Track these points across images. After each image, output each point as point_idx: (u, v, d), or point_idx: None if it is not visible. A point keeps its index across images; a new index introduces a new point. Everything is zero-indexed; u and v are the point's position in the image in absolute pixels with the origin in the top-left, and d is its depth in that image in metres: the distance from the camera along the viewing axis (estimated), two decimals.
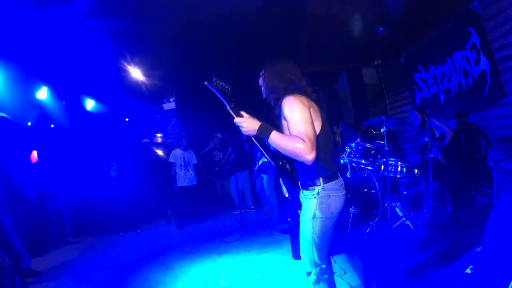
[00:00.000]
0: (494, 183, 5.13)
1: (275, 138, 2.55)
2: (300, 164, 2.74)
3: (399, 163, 5.67)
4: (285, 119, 2.64)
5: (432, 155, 5.36)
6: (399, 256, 4.54)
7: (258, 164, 7.69)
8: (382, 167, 5.83)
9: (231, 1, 5.88)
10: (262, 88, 3.07)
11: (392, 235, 5.24)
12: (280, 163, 2.83)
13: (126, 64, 8.62)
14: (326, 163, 2.74)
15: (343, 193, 2.86)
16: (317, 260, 2.77)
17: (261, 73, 3.04)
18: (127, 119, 13.67)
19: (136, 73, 9.25)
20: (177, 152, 9.17)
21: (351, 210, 5.61)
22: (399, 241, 5.03)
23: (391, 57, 9.30)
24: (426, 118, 5.92)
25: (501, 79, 5.61)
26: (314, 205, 2.74)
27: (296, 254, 5.46)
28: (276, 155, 2.85)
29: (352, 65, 10.45)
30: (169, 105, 12.69)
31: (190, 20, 6.59)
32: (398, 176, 5.63)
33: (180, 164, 9.04)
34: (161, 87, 11.06)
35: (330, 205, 2.74)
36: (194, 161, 9.28)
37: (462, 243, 4.42)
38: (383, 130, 5.67)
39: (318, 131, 2.65)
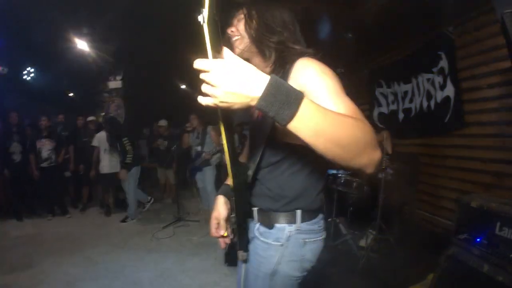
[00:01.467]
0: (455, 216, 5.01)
1: (318, 115, 1.18)
2: (280, 183, 1.77)
3: (350, 177, 5.50)
4: (309, 84, 1.51)
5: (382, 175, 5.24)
6: (338, 279, 4.36)
7: (201, 157, 7.40)
8: (331, 179, 5.66)
9: None
10: (240, 40, 1.76)
11: (333, 254, 5.05)
12: (240, 172, 1.71)
13: (72, 34, 8.01)
14: (315, 188, 1.81)
15: (323, 235, 1.89)
16: None
17: (245, 13, 1.75)
18: (71, 94, 13.05)
19: (82, 44, 8.56)
20: (101, 135, 8.38)
21: None
22: (339, 261, 4.86)
23: (355, 67, 9.15)
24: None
25: (464, 109, 5.55)
26: (277, 257, 1.76)
27: (229, 260, 5.20)
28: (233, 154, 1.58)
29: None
30: (115, 83, 11.81)
31: None
32: (346, 190, 5.45)
33: (105, 149, 8.34)
34: (109, 63, 10.48)
35: (303, 258, 1.78)
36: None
37: (407, 273, 4.29)
38: None
39: None
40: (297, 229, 1.75)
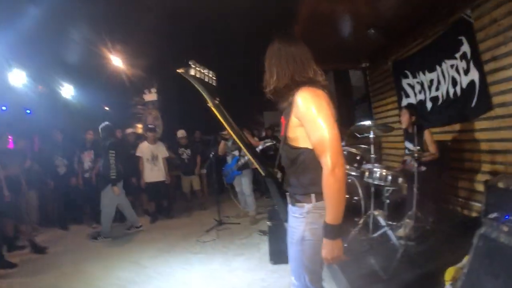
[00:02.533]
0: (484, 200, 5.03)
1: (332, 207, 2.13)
2: (297, 175, 2.38)
3: (384, 170, 5.55)
4: (301, 118, 2.20)
5: (416, 165, 5.30)
6: (379, 267, 4.44)
7: (238, 161, 7.59)
8: (367, 173, 5.72)
9: None
10: (266, 75, 2.48)
11: (373, 245, 5.13)
12: (269, 170, 2.49)
13: (107, 51, 8.43)
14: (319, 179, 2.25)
15: None
16: (309, 285, 2.45)
17: (268, 53, 2.48)
18: (107, 108, 13.45)
19: (117, 61, 9.02)
20: (144, 146, 8.97)
21: None
22: (379, 251, 4.94)
23: (380, 60, 9.26)
24: (414, 122, 5.88)
25: (490, 91, 5.56)
26: (302, 226, 2.35)
27: (274, 258, 5.35)
28: (263, 161, 2.47)
29: (340, 67, 10.33)
30: (151, 96, 12.34)
31: (179, 10, 6.46)
32: (382, 184, 5.51)
33: (147, 158, 8.87)
34: (143, 77, 10.87)
35: (321, 225, 2.23)
36: (162, 154, 9.10)
37: (444, 257, 4.34)
38: (370, 135, 5.56)
39: None
40: (313, 206, 2.32)
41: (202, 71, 2.08)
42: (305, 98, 2.19)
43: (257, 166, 2.49)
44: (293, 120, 2.27)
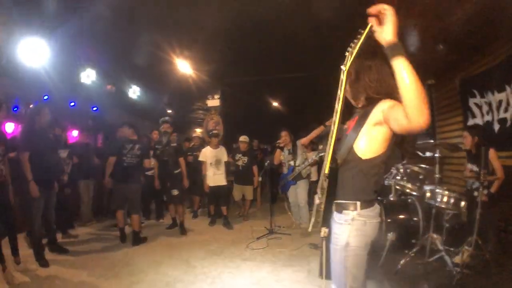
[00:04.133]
0: None
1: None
2: (346, 182, 2.44)
3: (447, 192, 5.37)
4: (388, 107, 2.20)
5: (480, 189, 5.06)
6: None
7: (295, 171, 7.55)
8: (429, 194, 5.56)
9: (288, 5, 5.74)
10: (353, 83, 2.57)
11: (428, 269, 4.93)
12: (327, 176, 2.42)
13: (174, 55, 8.66)
14: (372, 187, 2.44)
15: (378, 220, 2.53)
16: None
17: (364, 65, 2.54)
18: (169, 111, 13.74)
19: (183, 65, 9.26)
20: (207, 151, 9.18)
21: (389, 236, 5.35)
22: (434, 276, 4.75)
23: (446, 78, 8.95)
24: (480, 144, 5.63)
25: None
26: (347, 232, 2.42)
27: (323, 273, 5.22)
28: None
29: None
30: (213, 101, 12.69)
31: (245, 19, 6.52)
32: (443, 206, 5.32)
33: (211, 163, 9.04)
34: (208, 82, 11.08)
35: (366, 233, 2.44)
36: (224, 159, 9.25)
37: None
38: (436, 154, 5.38)
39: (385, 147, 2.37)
40: (358, 214, 2.40)
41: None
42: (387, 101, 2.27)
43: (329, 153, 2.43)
44: (369, 125, 2.34)
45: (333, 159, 2.37)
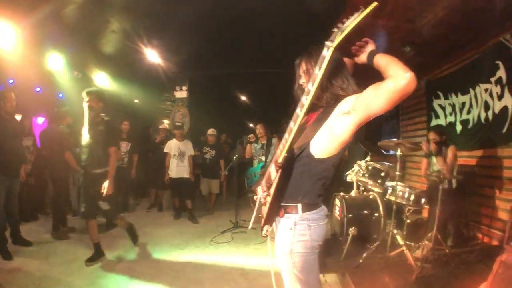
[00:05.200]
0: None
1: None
2: (302, 179, 2.26)
3: (408, 189, 5.53)
4: (354, 99, 2.11)
5: (440, 187, 5.23)
6: (393, 286, 4.39)
7: (257, 168, 7.64)
8: (390, 191, 5.69)
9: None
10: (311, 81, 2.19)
11: (389, 263, 5.06)
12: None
13: (143, 44, 8.54)
14: (317, 191, 2.30)
15: (325, 221, 2.38)
16: None
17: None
18: (136, 101, 13.55)
19: (152, 54, 9.11)
20: (172, 142, 9.15)
21: (350, 231, 5.46)
22: (395, 270, 4.87)
23: None
24: (442, 144, 5.82)
25: None
26: (290, 238, 2.28)
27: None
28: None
29: (373, 82, 10.18)
30: (181, 93, 12.47)
31: (217, 11, 6.51)
32: (403, 202, 5.47)
33: (174, 154, 9.00)
34: (176, 73, 11.00)
35: (311, 237, 2.28)
36: (189, 152, 9.19)
37: (461, 282, 4.27)
38: (397, 153, 5.51)
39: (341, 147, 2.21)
40: (301, 217, 2.26)
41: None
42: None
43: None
44: (334, 119, 2.16)
45: (290, 148, 2.22)
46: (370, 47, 2.24)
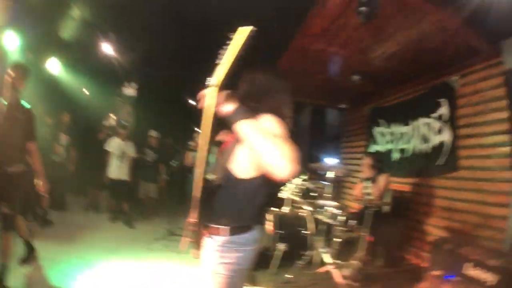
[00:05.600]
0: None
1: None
2: (229, 201, 2.21)
3: (338, 210, 5.66)
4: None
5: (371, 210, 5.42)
6: None
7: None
8: (321, 210, 5.81)
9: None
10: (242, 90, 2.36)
11: (317, 280, 5.19)
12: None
13: (100, 36, 8.24)
14: (248, 212, 2.24)
15: (253, 247, 2.29)
16: None
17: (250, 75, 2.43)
18: (86, 92, 12.99)
19: (108, 48, 8.73)
20: (115, 141, 8.74)
21: (280, 246, 5.54)
22: (322, 286, 5.00)
23: (359, 104, 9.53)
24: (376, 171, 6.06)
25: (459, 154, 5.87)
26: (214, 259, 2.21)
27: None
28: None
29: (320, 103, 10.46)
30: (130, 90, 11.87)
31: (179, 15, 6.47)
32: (333, 223, 5.61)
33: (115, 154, 8.62)
34: (127, 69, 10.64)
35: (237, 261, 2.21)
36: (130, 154, 8.82)
37: None
38: (332, 175, 5.67)
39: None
40: (227, 240, 2.17)
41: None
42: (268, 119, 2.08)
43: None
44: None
45: (205, 178, 2.22)
46: (230, 105, 2.01)
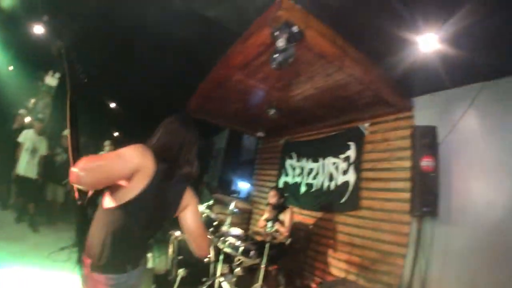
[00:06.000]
0: None
1: None
2: (91, 230, 2.18)
3: (238, 241, 5.69)
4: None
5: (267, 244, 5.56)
6: None
7: None
8: (221, 239, 5.83)
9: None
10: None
11: None
12: None
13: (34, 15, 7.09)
14: (104, 249, 2.11)
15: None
16: None
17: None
18: (11, 68, 11.49)
19: (38, 28, 7.41)
20: (29, 133, 8.04)
21: (180, 272, 5.55)
22: None
23: (275, 135, 9.89)
24: (280, 203, 6.28)
25: (361, 195, 6.37)
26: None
27: None
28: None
29: (238, 129, 10.56)
30: (52, 80, 10.63)
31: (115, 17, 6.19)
32: (233, 253, 5.64)
33: (27, 149, 7.90)
34: (52, 55, 9.32)
35: None
36: (42, 151, 8.13)
37: None
38: (231, 207, 5.75)
39: (126, 198, 2.08)
40: (87, 275, 2.13)
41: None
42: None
43: None
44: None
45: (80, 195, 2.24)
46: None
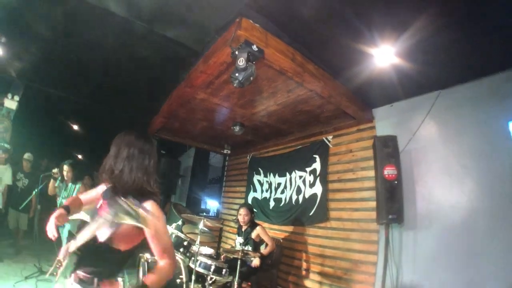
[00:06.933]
0: None
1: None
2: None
3: (210, 261, 5.62)
4: (151, 226, 2.16)
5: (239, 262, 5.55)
6: None
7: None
8: (193, 259, 5.75)
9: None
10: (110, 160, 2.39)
11: None
12: None
13: None
14: None
15: None
16: None
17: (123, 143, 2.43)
18: None
19: None
20: None
21: None
22: None
23: (241, 151, 9.99)
24: (249, 221, 6.30)
25: (329, 206, 6.50)
26: None
27: None
28: None
29: (203, 146, 10.48)
30: (11, 103, 10.36)
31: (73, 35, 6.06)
32: (205, 272, 5.59)
33: None
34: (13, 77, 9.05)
35: None
36: (6, 180, 7.77)
37: None
38: (199, 225, 5.71)
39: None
40: None
41: None
42: (155, 211, 2.24)
43: None
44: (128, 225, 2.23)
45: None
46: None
